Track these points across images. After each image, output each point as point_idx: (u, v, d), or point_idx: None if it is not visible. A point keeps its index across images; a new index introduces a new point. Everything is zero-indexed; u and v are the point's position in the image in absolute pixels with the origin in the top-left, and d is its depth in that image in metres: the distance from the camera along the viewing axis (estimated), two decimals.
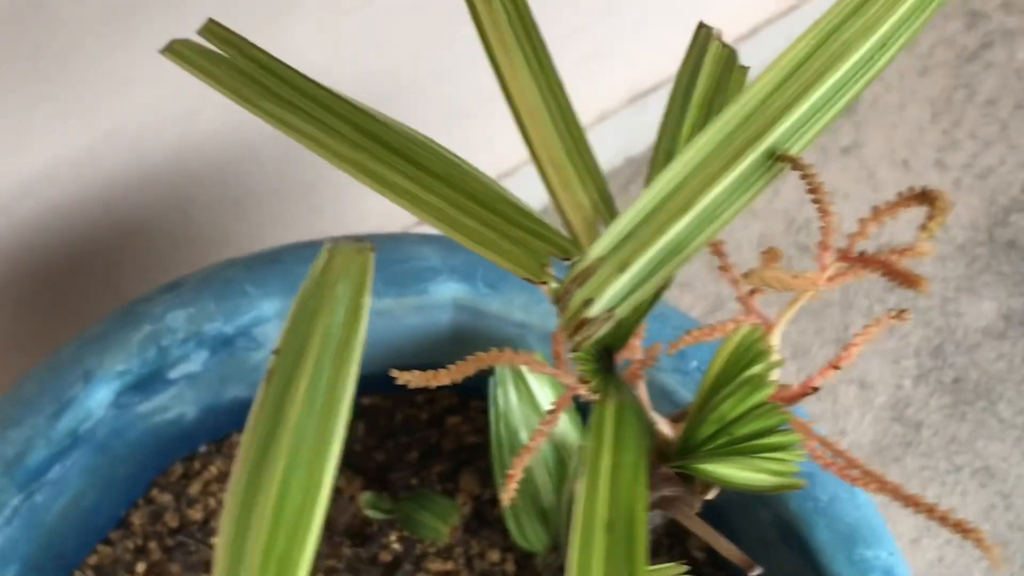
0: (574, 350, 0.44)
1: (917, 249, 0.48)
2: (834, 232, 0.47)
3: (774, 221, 1.25)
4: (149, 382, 0.74)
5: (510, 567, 0.87)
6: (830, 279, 0.48)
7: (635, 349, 0.53)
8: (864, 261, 0.46)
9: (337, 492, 0.87)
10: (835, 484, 0.73)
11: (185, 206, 0.91)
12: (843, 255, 0.47)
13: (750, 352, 0.44)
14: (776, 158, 0.47)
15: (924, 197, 0.44)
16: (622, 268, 0.45)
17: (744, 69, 0.56)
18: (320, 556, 0.86)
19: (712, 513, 0.82)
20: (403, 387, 0.85)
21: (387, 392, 0.89)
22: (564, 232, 0.48)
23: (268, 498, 0.53)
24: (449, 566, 0.86)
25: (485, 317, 0.77)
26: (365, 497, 0.84)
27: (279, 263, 0.75)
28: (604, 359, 0.48)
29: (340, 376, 0.52)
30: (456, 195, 0.48)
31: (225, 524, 0.54)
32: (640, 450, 0.44)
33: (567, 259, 0.46)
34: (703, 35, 0.58)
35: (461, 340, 0.80)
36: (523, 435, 0.73)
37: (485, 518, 0.86)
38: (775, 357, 0.44)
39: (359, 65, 0.90)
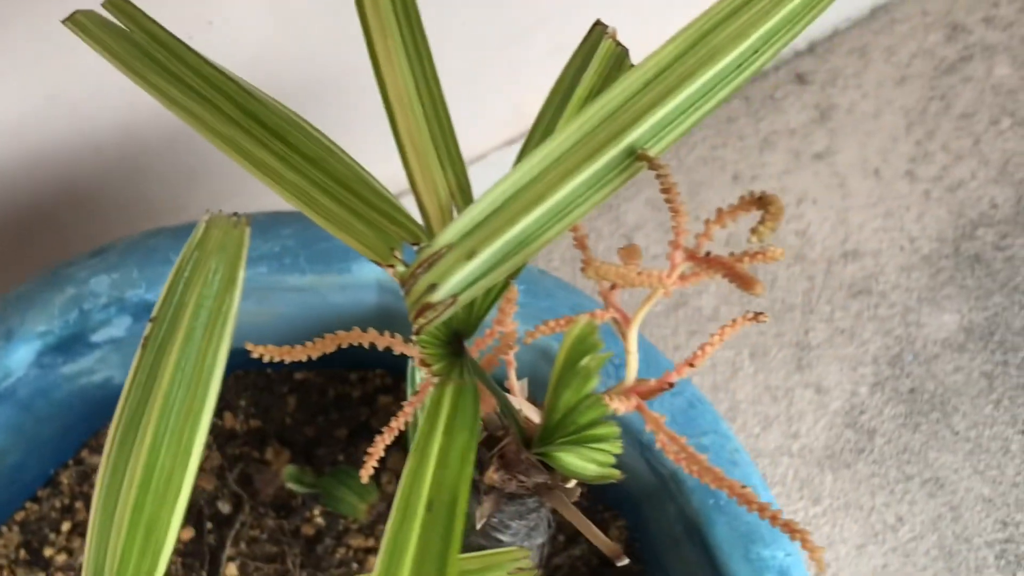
0: (416, 332, 0.45)
1: (769, 254, 0.49)
2: (685, 233, 0.48)
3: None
4: (71, 344, 0.75)
5: None
6: (682, 278, 0.49)
7: (508, 333, 0.54)
8: (708, 262, 0.47)
9: (264, 464, 0.89)
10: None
11: (136, 175, 0.93)
12: (690, 255, 0.48)
13: (584, 344, 0.45)
14: (635, 157, 0.48)
15: (761, 202, 0.45)
16: (469, 256, 0.46)
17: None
18: (244, 525, 0.87)
19: (628, 504, 0.83)
20: (337, 364, 0.86)
21: (321, 368, 0.90)
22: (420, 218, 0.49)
23: (138, 463, 0.54)
24: (370, 543, 0.88)
25: None
26: (288, 470, 0.85)
27: None
28: (452, 343, 0.49)
29: (211, 346, 0.54)
30: (319, 175, 0.49)
31: (97, 489, 0.56)
32: (472, 434, 0.45)
33: (416, 244, 0.47)
34: (596, 32, 0.58)
35: (387, 319, 0.81)
36: None
37: None
38: (603, 351, 0.45)
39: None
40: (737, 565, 0.73)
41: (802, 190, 1.30)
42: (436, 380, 0.47)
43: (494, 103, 1.13)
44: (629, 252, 0.51)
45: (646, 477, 0.79)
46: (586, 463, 0.47)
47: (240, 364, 0.87)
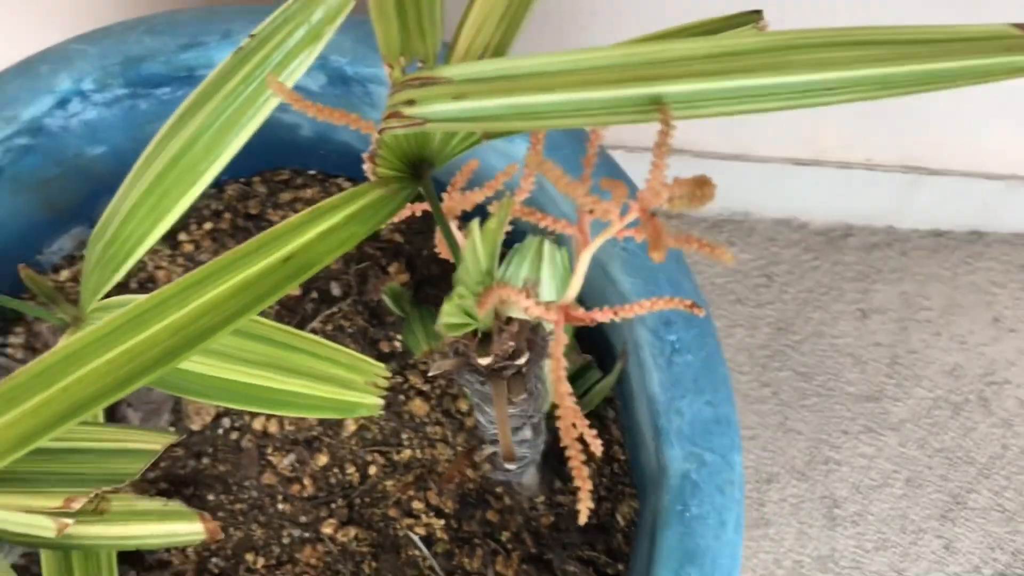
0: (380, 132, 0.49)
1: (717, 253, 0.51)
2: (654, 190, 0.50)
3: None
4: None
5: (470, 422, 0.93)
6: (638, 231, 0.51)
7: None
8: (652, 224, 0.49)
9: (384, 273, 0.96)
10: (710, 503, 0.75)
11: None
12: (642, 210, 0.50)
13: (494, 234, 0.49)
14: (656, 108, 0.51)
15: (698, 182, 0.47)
16: (457, 97, 0.50)
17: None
18: (339, 312, 0.95)
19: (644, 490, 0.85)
20: None
21: None
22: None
23: (176, 142, 0.62)
24: (426, 388, 0.93)
25: None
26: (391, 286, 0.92)
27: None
28: (416, 166, 0.53)
29: (287, 67, 0.60)
30: None
31: (141, 155, 0.63)
32: (364, 230, 0.49)
33: (424, 63, 0.51)
34: (748, 18, 0.60)
35: None
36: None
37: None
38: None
39: None
40: (663, 574, 0.75)
41: None
42: (377, 182, 0.51)
43: None
44: (614, 184, 0.54)
45: (653, 463, 0.81)
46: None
47: None
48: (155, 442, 0.54)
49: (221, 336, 0.43)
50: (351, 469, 0.92)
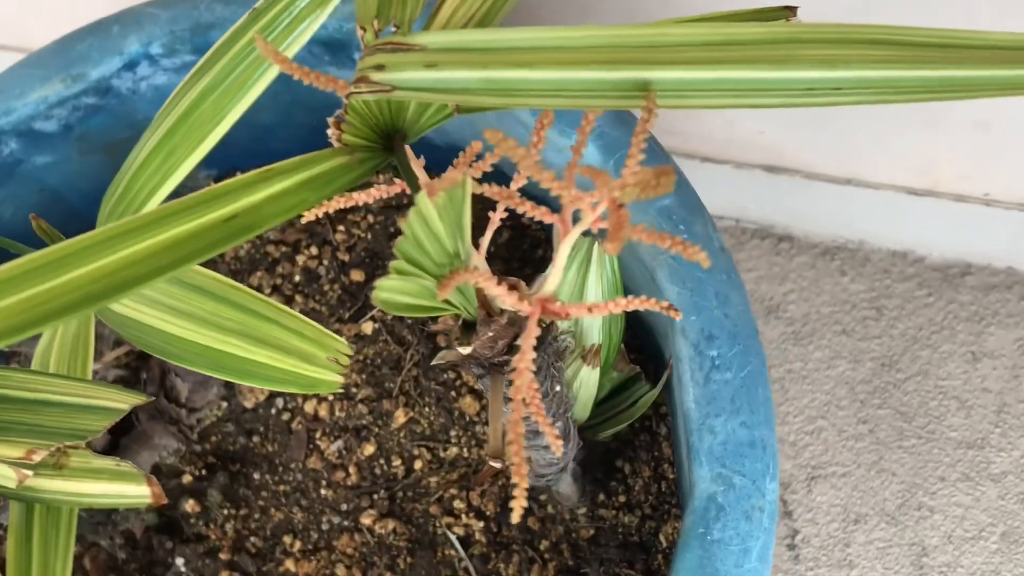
0: (347, 96, 0.48)
1: (690, 253, 0.48)
2: (626, 181, 0.48)
3: None
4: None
5: None
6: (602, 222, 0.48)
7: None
8: (619, 214, 0.47)
9: None
10: (734, 528, 0.72)
11: None
12: (612, 200, 0.47)
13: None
14: (644, 95, 0.48)
15: (658, 173, 0.44)
16: (429, 66, 0.48)
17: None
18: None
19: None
20: None
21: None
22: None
23: (187, 99, 0.61)
24: (478, 386, 0.91)
25: None
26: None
27: None
28: (386, 137, 0.51)
29: (291, 34, 0.59)
30: None
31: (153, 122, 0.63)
32: (316, 197, 0.47)
33: (398, 27, 0.50)
34: (781, 12, 0.57)
35: None
36: None
37: None
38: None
39: None
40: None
41: None
42: (340, 149, 0.50)
43: None
44: (594, 172, 0.51)
45: (687, 483, 0.77)
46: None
47: None
48: (123, 401, 0.53)
49: (144, 288, 0.42)
50: (397, 461, 0.91)
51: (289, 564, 0.89)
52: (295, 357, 0.52)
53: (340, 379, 0.52)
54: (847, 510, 1.17)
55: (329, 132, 0.49)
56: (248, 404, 0.92)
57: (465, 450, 0.90)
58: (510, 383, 0.63)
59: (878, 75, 0.49)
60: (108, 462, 0.51)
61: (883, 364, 1.21)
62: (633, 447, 0.88)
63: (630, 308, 0.51)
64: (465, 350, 0.55)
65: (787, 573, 1.15)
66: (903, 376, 1.20)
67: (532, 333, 0.52)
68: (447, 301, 0.52)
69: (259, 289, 0.94)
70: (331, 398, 0.92)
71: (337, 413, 0.92)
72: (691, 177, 1.18)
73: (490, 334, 0.55)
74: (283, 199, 0.47)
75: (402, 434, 0.92)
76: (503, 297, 0.51)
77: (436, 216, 0.47)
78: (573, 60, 0.48)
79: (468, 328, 0.57)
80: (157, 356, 0.57)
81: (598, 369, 0.77)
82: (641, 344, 0.90)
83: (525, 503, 0.46)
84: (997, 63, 0.49)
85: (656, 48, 0.48)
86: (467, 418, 0.91)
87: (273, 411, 0.93)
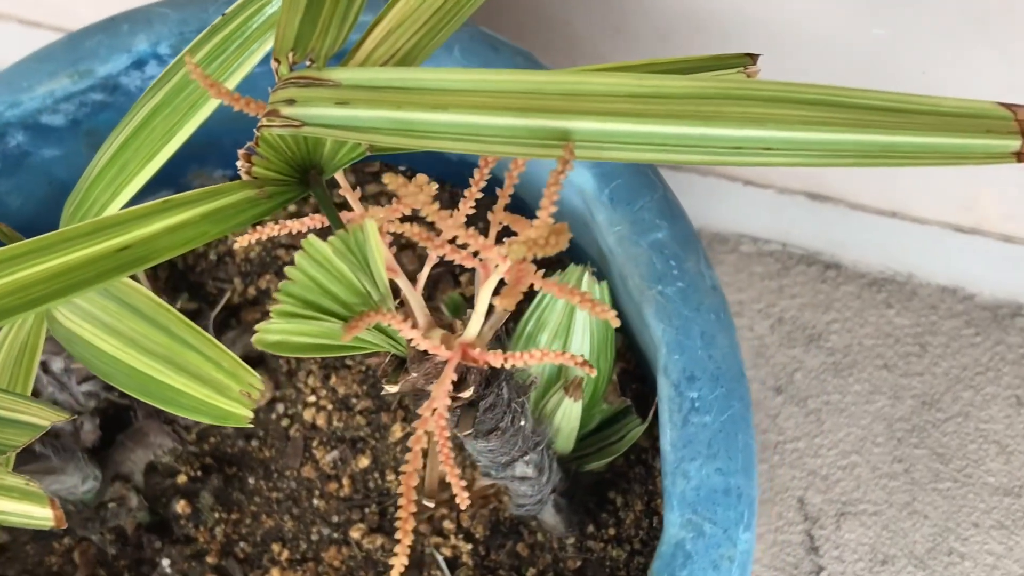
0: (257, 128, 0.47)
1: (598, 311, 0.46)
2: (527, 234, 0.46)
3: None
4: None
5: None
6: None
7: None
8: (517, 264, 0.45)
9: (455, 279, 0.93)
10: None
11: None
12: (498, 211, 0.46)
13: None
14: (564, 145, 0.46)
15: (554, 231, 0.42)
16: (341, 103, 0.47)
17: None
18: None
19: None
20: None
21: None
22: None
23: (141, 113, 0.60)
24: None
25: None
26: (451, 295, 0.89)
27: None
28: (302, 171, 0.50)
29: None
30: None
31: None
32: (221, 227, 0.46)
33: (314, 62, 0.48)
34: (741, 62, 0.55)
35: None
36: None
37: None
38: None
39: None
40: None
41: None
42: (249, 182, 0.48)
43: None
44: (513, 218, 0.49)
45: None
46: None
47: None
48: (46, 418, 0.53)
49: (14, 320, 0.42)
50: (391, 476, 0.90)
51: (275, 573, 0.88)
52: (210, 387, 0.52)
53: (249, 414, 0.51)
54: (875, 550, 1.13)
55: (238, 164, 0.48)
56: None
57: (459, 469, 0.89)
58: (457, 420, 0.62)
59: (812, 137, 0.46)
60: (19, 481, 0.50)
61: (924, 402, 1.17)
62: (627, 479, 0.86)
63: (544, 361, 0.49)
64: (392, 388, 0.54)
65: None
66: (943, 416, 1.16)
67: (447, 378, 0.51)
68: (365, 340, 0.51)
69: (266, 293, 0.94)
70: (330, 407, 0.91)
71: (335, 423, 0.91)
72: (734, 200, 1.16)
73: (415, 375, 0.54)
74: (181, 231, 0.46)
75: (398, 448, 0.91)
76: (417, 340, 0.50)
77: (334, 257, 0.45)
78: (490, 104, 0.46)
79: (400, 365, 0.55)
80: (96, 375, 0.57)
81: (580, 402, 0.75)
82: (644, 375, 0.88)
83: (406, 561, 0.45)
84: (946, 131, 0.47)
85: (577, 97, 0.47)
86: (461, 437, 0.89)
87: (273, 416, 0.92)
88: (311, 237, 0.43)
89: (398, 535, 0.45)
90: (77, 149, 0.86)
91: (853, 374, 1.19)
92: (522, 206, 0.82)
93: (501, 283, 0.49)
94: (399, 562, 0.44)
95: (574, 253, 0.87)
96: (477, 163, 0.53)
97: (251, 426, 0.68)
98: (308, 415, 0.92)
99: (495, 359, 0.50)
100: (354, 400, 0.91)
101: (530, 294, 0.78)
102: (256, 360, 0.92)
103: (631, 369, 0.88)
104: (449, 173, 0.91)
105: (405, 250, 0.94)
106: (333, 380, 0.92)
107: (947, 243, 1.11)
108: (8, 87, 0.82)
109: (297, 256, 0.43)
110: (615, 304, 0.78)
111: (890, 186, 1.07)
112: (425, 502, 0.57)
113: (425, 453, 0.80)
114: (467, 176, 0.53)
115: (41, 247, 0.44)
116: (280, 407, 0.93)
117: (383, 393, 0.56)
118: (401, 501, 0.45)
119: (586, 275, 0.75)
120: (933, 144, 0.46)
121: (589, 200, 0.77)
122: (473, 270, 0.60)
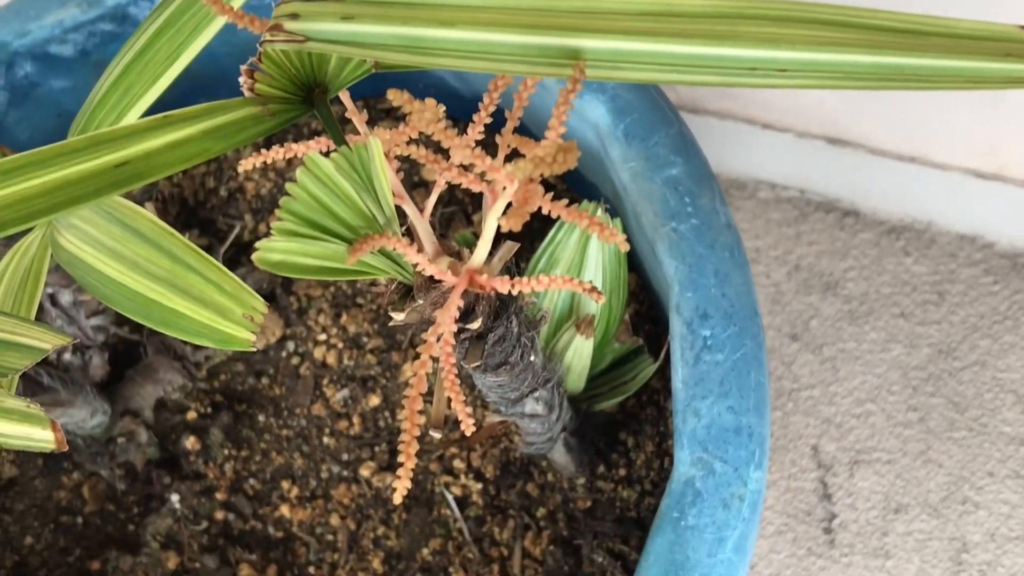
0: (260, 44, 0.46)
1: (606, 235, 0.45)
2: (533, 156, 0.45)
3: None
4: None
5: None
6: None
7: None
8: (524, 184, 0.44)
9: (467, 217, 0.92)
10: (710, 516, 0.69)
11: None
12: (508, 174, 0.45)
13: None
14: (574, 64, 0.45)
15: (561, 147, 0.41)
16: (346, 17, 0.45)
17: None
18: None
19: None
20: None
21: None
22: None
23: (147, 34, 0.59)
24: None
25: None
26: (462, 233, 0.88)
27: None
28: (306, 89, 0.49)
29: None
30: None
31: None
32: (224, 143, 0.46)
33: None
34: None
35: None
36: None
37: None
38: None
39: None
40: None
41: None
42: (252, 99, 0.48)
43: None
44: (520, 140, 0.48)
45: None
46: None
47: None
48: (48, 341, 0.52)
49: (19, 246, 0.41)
50: (401, 415, 0.89)
51: (284, 510, 0.88)
52: (212, 310, 0.51)
53: (252, 337, 0.50)
54: (888, 498, 1.12)
55: (241, 80, 0.47)
56: (259, 345, 0.91)
57: (471, 409, 0.88)
58: (465, 352, 0.61)
59: (827, 58, 0.45)
60: (19, 403, 0.50)
61: (940, 351, 1.16)
62: (638, 420, 0.85)
63: (552, 287, 0.48)
64: (398, 316, 0.53)
65: (821, 557, 1.12)
66: (960, 365, 1.15)
67: (453, 304, 0.50)
68: (371, 264, 0.50)
69: None
70: (340, 345, 0.91)
71: (346, 361, 0.91)
72: (752, 144, 1.15)
73: (422, 302, 0.53)
74: (182, 148, 0.45)
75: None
76: (423, 265, 0.49)
77: (337, 175, 0.44)
78: (500, 22, 0.45)
79: (406, 293, 0.54)
80: (96, 297, 0.56)
81: (591, 340, 0.75)
82: (657, 317, 0.87)
83: (408, 484, 0.44)
84: (962, 53, 0.45)
85: (589, 15, 0.45)
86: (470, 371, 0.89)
87: (284, 353, 0.92)
88: (313, 153, 0.42)
89: (400, 458, 0.44)
90: (86, 80, 0.85)
91: (869, 322, 1.18)
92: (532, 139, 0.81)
93: (509, 208, 0.48)
94: (401, 484, 0.44)
95: (588, 191, 0.86)
96: (483, 100, 0.51)
97: (254, 350, 0.67)
98: (319, 353, 0.91)
99: (502, 285, 0.49)
100: (365, 339, 0.91)
101: (543, 232, 0.78)
102: (267, 297, 0.91)
103: (644, 311, 0.87)
104: (460, 110, 0.89)
105: (418, 188, 0.93)
106: (344, 318, 0.91)
107: (968, 190, 1.10)
108: (16, 16, 0.81)
109: (299, 172, 0.42)
110: (628, 242, 0.77)
111: (911, 130, 1.05)
112: (432, 432, 0.56)
113: (432, 384, 0.80)
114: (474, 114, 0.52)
115: (39, 160, 0.43)
116: (290, 345, 0.92)
117: (390, 323, 0.55)
118: (404, 425, 0.45)
119: (599, 211, 0.74)
120: (949, 67, 0.45)
121: (604, 135, 0.75)
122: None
